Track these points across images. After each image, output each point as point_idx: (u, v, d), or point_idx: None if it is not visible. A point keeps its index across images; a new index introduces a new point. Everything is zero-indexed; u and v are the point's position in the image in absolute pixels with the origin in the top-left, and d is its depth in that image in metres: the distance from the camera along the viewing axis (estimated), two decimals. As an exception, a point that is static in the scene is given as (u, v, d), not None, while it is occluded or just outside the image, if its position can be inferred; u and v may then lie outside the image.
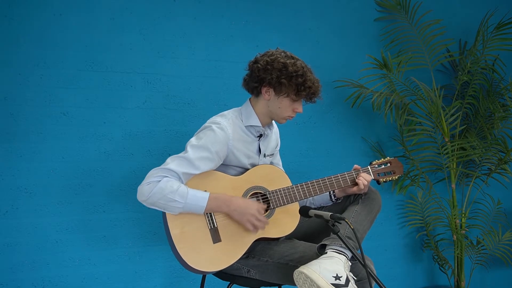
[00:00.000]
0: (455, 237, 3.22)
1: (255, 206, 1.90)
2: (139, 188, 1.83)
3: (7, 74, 2.37)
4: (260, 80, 1.97)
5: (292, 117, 2.04)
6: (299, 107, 2.01)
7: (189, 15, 2.74)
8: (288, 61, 1.94)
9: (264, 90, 1.98)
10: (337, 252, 1.81)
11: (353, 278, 1.79)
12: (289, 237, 2.03)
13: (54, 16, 2.45)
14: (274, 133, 2.22)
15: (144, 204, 1.84)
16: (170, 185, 1.79)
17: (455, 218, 3.18)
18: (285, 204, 2.00)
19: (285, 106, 1.99)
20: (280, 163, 2.33)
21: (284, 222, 2.00)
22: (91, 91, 2.52)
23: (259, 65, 1.97)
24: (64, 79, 2.47)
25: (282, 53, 1.98)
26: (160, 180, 1.80)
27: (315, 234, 2.11)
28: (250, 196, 1.99)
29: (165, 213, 1.86)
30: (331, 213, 1.74)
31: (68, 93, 2.47)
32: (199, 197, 1.84)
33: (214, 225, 1.90)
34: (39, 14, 2.42)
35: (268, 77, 1.94)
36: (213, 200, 1.86)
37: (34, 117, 2.41)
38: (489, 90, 3.28)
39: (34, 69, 2.41)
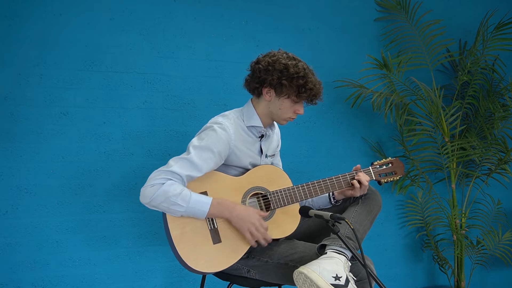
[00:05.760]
0: (455, 237, 3.22)
1: (256, 216, 1.90)
2: (142, 190, 1.82)
3: (7, 74, 2.37)
4: (261, 80, 1.97)
5: (293, 118, 2.04)
6: (300, 108, 2.01)
7: (189, 15, 2.74)
8: (289, 62, 1.94)
9: (265, 91, 1.98)
10: (336, 252, 1.81)
11: (353, 278, 1.79)
12: (289, 237, 2.03)
13: (54, 16, 2.45)
14: (276, 133, 2.22)
15: (146, 206, 1.83)
16: (173, 189, 1.79)
17: (455, 218, 3.18)
18: (286, 205, 2.00)
19: (286, 107, 1.99)
20: (280, 163, 2.33)
21: (285, 223, 2.00)
22: (91, 91, 2.52)
23: (260, 66, 1.97)
24: (64, 79, 2.47)
25: (284, 54, 1.98)
26: (164, 183, 1.80)
27: (315, 234, 2.11)
28: (250, 196, 1.99)
29: (165, 213, 1.86)
30: (331, 213, 1.74)
31: (68, 93, 2.47)
32: (202, 202, 1.84)
33: (214, 226, 1.90)
34: (39, 14, 2.42)
35: (269, 78, 1.94)
36: (216, 206, 1.86)
37: (34, 117, 2.41)
38: (489, 90, 3.28)
39: (34, 69, 2.41)
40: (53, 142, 2.45)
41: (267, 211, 2.00)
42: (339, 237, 1.74)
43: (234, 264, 1.91)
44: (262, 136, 2.07)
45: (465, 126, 3.30)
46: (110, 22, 2.56)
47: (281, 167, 2.29)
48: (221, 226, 1.91)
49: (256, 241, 1.91)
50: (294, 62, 1.95)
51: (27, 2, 2.40)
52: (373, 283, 1.77)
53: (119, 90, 2.57)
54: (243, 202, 1.97)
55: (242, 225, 1.88)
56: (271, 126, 2.12)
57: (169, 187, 1.79)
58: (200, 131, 1.99)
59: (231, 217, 1.88)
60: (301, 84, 1.92)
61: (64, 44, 2.47)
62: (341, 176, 2.06)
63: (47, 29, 2.44)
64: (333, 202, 2.15)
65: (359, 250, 1.74)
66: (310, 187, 2.03)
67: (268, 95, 1.98)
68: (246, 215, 1.88)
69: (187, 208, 1.81)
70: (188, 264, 1.83)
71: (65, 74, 2.47)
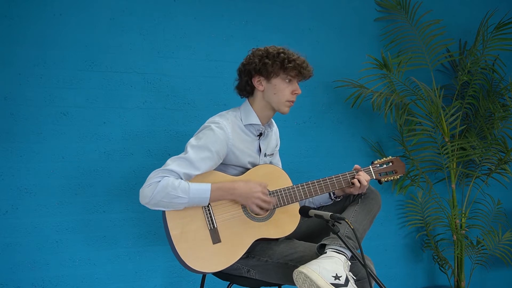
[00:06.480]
0: (455, 237, 3.22)
1: (258, 188, 1.92)
2: (141, 191, 1.83)
3: (7, 74, 2.37)
4: (247, 73, 2.01)
5: (292, 101, 2.02)
6: (296, 87, 2.01)
7: (189, 15, 2.74)
8: (268, 47, 2.01)
9: (255, 81, 2.01)
10: (336, 252, 1.81)
11: (353, 278, 1.79)
12: (288, 237, 2.03)
13: (54, 16, 2.45)
14: (274, 132, 2.22)
15: (148, 206, 1.83)
16: (171, 182, 1.80)
17: (455, 218, 3.18)
18: (286, 204, 2.00)
19: (280, 89, 1.99)
20: (280, 163, 2.34)
21: (284, 222, 2.00)
22: (91, 91, 2.52)
23: (243, 62, 2.05)
24: (64, 79, 2.47)
25: (260, 47, 2.04)
26: (160, 181, 1.81)
27: (314, 234, 2.11)
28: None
29: (165, 213, 1.86)
30: (331, 213, 1.74)
31: (68, 93, 2.47)
32: (202, 190, 1.85)
33: (214, 226, 1.90)
34: (39, 14, 2.42)
35: (252, 65, 1.98)
36: (216, 191, 1.87)
37: (34, 117, 2.41)
38: (489, 90, 3.28)
39: (34, 69, 2.41)
40: (53, 142, 2.45)
41: (267, 210, 2.00)
42: (339, 237, 1.74)
43: (233, 264, 1.91)
44: (260, 135, 2.07)
45: (465, 126, 3.30)
46: (110, 22, 2.56)
47: (280, 167, 2.28)
48: (220, 226, 1.91)
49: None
50: (273, 46, 2.02)
51: (27, 2, 2.40)
52: (373, 283, 1.77)
53: (119, 90, 2.58)
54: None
55: (247, 201, 1.92)
56: (269, 124, 2.12)
57: (166, 182, 1.80)
58: (198, 131, 1.99)
59: (234, 198, 1.91)
60: (283, 57, 1.95)
61: (64, 44, 2.47)
62: (341, 176, 2.06)
63: (47, 29, 2.44)
64: (333, 198, 2.15)
65: (358, 249, 1.74)
66: (310, 186, 2.03)
67: (259, 84, 2.00)
68: (249, 191, 1.91)
69: (189, 198, 1.82)
70: (188, 264, 1.83)
71: (65, 74, 2.47)
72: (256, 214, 1.97)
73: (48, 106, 2.44)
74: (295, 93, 2.01)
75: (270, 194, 1.99)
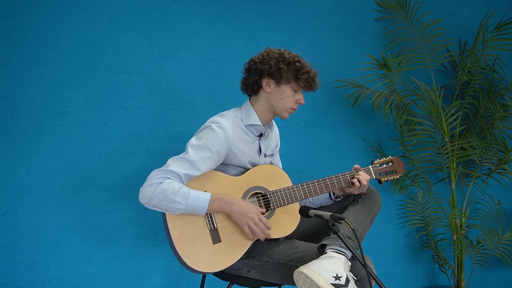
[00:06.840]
0: (455, 237, 3.22)
1: (255, 211, 1.90)
2: (141, 190, 1.83)
3: (7, 74, 2.37)
4: (259, 72, 2.00)
5: (294, 109, 2.04)
6: (301, 97, 2.03)
7: (189, 15, 2.74)
8: (283, 51, 2.01)
9: (264, 82, 2.00)
10: (337, 252, 1.81)
11: (353, 278, 1.79)
12: (289, 237, 2.03)
13: (54, 16, 2.45)
14: (274, 133, 2.22)
15: (146, 206, 1.84)
16: (171, 187, 1.80)
17: (455, 218, 3.18)
18: (286, 204, 2.00)
19: (287, 95, 1.99)
20: (280, 164, 2.34)
21: (284, 222, 2.00)
22: (91, 91, 2.52)
23: (256, 59, 2.02)
24: (64, 79, 2.47)
25: (274, 49, 2.04)
26: (161, 182, 1.81)
27: (315, 234, 2.11)
28: (250, 196, 1.99)
29: (165, 213, 1.86)
30: (331, 213, 1.74)
31: (68, 93, 2.47)
32: (201, 198, 1.84)
33: (214, 226, 1.90)
34: (39, 14, 2.42)
35: (266, 67, 1.97)
36: (215, 201, 1.86)
37: (34, 117, 2.41)
38: (489, 90, 3.28)
39: (34, 69, 2.41)
40: (53, 142, 2.45)
41: (267, 210, 2.00)
42: (339, 237, 1.74)
43: (234, 264, 1.91)
44: (261, 135, 2.07)
45: (465, 126, 3.30)
46: (110, 22, 2.56)
47: (280, 167, 2.28)
48: (221, 225, 1.91)
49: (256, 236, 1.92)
50: (287, 51, 2.02)
51: (27, 2, 2.40)
52: (373, 283, 1.77)
53: (119, 90, 2.57)
54: (243, 202, 1.97)
55: (241, 219, 1.88)
56: (270, 125, 2.12)
57: (167, 185, 1.79)
58: (198, 130, 2.00)
59: (230, 211, 1.89)
60: (298, 67, 1.96)
61: (64, 44, 2.47)
62: (341, 175, 2.06)
63: (47, 29, 2.44)
64: (333, 199, 2.15)
65: (359, 250, 1.74)
66: (310, 186, 2.03)
67: (268, 86, 2.00)
68: (246, 210, 1.88)
69: (186, 205, 1.82)
70: (188, 264, 1.83)
71: (65, 74, 2.47)
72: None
73: (48, 106, 2.44)
74: (298, 103, 2.03)
75: (270, 193, 1.99)
